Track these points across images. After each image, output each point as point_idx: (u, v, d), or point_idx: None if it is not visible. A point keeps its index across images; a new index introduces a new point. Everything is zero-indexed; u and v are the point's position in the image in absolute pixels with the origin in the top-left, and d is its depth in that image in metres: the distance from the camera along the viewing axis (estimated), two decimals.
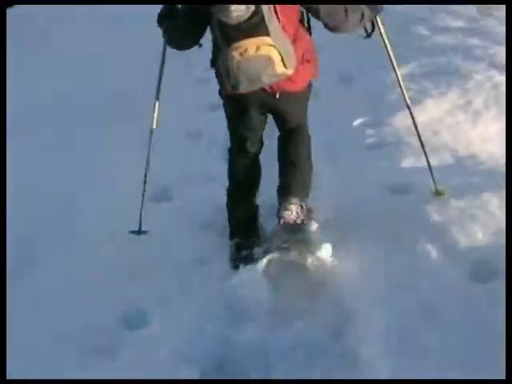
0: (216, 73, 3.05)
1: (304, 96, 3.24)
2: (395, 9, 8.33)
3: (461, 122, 4.64)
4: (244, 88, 2.87)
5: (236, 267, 3.40)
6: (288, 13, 2.82)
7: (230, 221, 3.54)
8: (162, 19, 3.14)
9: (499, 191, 3.55)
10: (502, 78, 5.10)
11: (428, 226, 3.49)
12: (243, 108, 3.14)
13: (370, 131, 4.74)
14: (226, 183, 3.60)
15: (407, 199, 3.82)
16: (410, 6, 8.63)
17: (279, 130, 3.44)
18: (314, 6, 2.91)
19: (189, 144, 5.15)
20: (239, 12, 2.63)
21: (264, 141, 3.50)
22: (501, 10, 8.04)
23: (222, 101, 3.29)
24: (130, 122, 4.93)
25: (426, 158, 3.73)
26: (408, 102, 3.62)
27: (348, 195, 3.93)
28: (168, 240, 3.81)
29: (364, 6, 3.07)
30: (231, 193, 3.51)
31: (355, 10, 3.01)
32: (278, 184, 3.37)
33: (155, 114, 3.54)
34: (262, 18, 2.67)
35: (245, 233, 3.48)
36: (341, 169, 4.29)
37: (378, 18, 3.26)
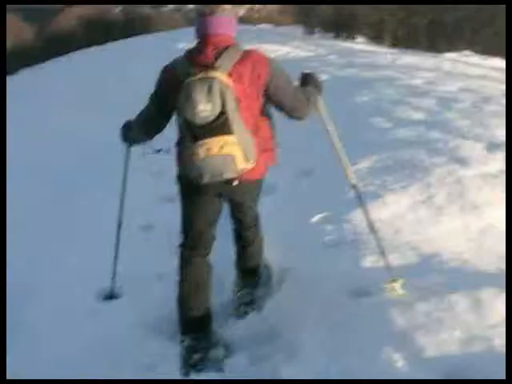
0: (178, 160, 3.19)
1: (260, 182, 3.36)
2: (354, 102, 8.43)
3: (423, 218, 4.45)
4: (206, 180, 2.99)
5: (186, 374, 3.27)
6: (252, 107, 3.07)
7: (180, 320, 3.43)
8: (125, 134, 3.61)
9: (466, 291, 3.33)
10: (464, 172, 4.99)
11: (392, 332, 3.21)
12: (201, 196, 3.23)
13: (328, 227, 4.51)
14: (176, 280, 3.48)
15: (369, 302, 3.56)
16: (368, 97, 8.75)
17: (234, 220, 3.62)
18: (280, 103, 3.22)
19: (141, 238, 4.97)
20: (206, 113, 2.84)
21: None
22: (460, 103, 8.12)
23: (177, 187, 3.36)
24: None
25: (385, 256, 3.52)
26: (353, 181, 3.69)
27: (305, 297, 3.66)
28: (110, 345, 3.54)
29: (311, 90, 3.40)
30: (182, 290, 3.42)
31: (309, 101, 3.35)
32: (235, 264, 3.75)
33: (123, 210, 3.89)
34: (227, 119, 2.87)
35: (197, 333, 3.38)
36: (297, 268, 4.04)
37: (319, 103, 3.52)
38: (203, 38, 3.08)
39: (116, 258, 3.98)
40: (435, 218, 4.42)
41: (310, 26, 41.82)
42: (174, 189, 3.39)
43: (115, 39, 41.75)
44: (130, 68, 17.95)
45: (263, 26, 45.49)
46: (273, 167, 3.43)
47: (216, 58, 2.98)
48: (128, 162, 3.88)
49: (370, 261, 3.92)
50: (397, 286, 3.49)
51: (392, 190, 4.85)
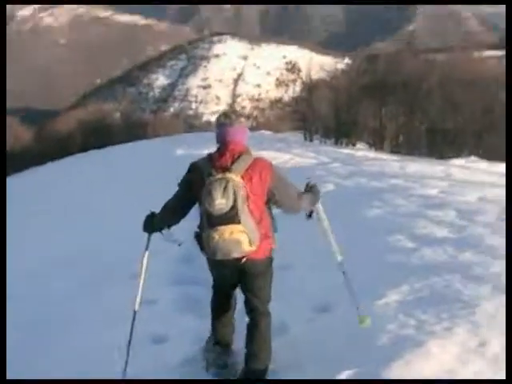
0: (198, 241, 3.91)
1: (264, 264, 4.00)
2: (366, 215, 7.62)
3: (478, 372, 3.48)
4: (219, 257, 3.75)
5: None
6: (258, 203, 3.82)
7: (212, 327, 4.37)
8: (148, 225, 4.16)
9: None
10: None
11: None
12: (220, 268, 4.01)
13: None
14: None
15: None
16: (381, 210, 7.98)
17: (246, 303, 4.10)
18: (279, 201, 3.98)
19: None
20: (221, 206, 3.61)
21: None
22: (483, 215, 7.33)
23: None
24: None
25: None
26: (339, 259, 4.28)
27: None
28: None
29: (308, 196, 4.23)
30: (213, 321, 4.36)
31: (304, 201, 4.15)
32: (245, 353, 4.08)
33: (138, 296, 4.24)
34: (237, 211, 3.63)
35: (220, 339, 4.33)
36: None
37: (319, 207, 4.39)
38: (223, 144, 3.87)
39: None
40: (494, 373, 3.47)
41: (310, 132, 42.14)
42: None
43: (113, 144, 41.72)
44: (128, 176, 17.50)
45: (262, 132, 45.86)
46: None
47: (232, 162, 3.76)
48: (147, 253, 4.31)
49: None
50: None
51: (433, 333, 3.89)
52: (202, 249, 3.87)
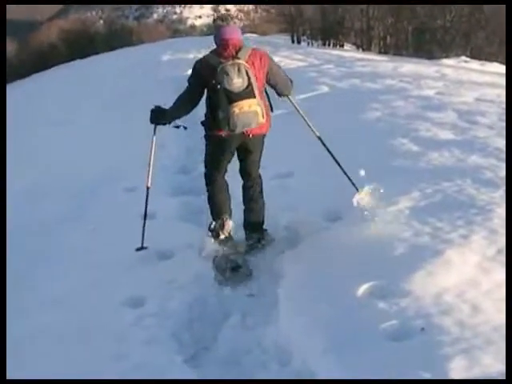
0: (206, 125, 4.51)
1: (262, 140, 4.66)
2: (366, 118, 7.37)
3: (500, 281, 3.32)
4: (238, 131, 4.29)
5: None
6: (259, 84, 4.36)
7: (211, 211, 4.80)
8: (156, 116, 4.62)
9: None
10: None
11: None
12: (228, 146, 4.56)
13: (381, 305, 3.31)
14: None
15: None
16: (380, 112, 7.74)
17: (242, 173, 4.81)
18: (274, 82, 4.57)
19: None
20: (238, 84, 4.19)
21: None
22: (484, 116, 7.14)
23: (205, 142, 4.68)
24: None
25: None
26: (317, 133, 4.83)
27: None
28: None
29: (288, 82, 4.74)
30: (213, 193, 4.79)
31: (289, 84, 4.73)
32: (244, 215, 4.83)
33: (150, 174, 4.83)
34: (252, 88, 4.22)
35: (222, 216, 4.73)
36: None
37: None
38: (224, 41, 4.35)
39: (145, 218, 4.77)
40: None
41: (297, 34, 41.11)
42: None
43: (97, 52, 40.61)
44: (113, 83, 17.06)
45: (248, 35, 44.69)
46: None
47: (236, 53, 4.30)
48: (154, 138, 4.80)
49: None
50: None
51: (450, 241, 3.71)
52: (212, 129, 4.45)
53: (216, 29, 4.44)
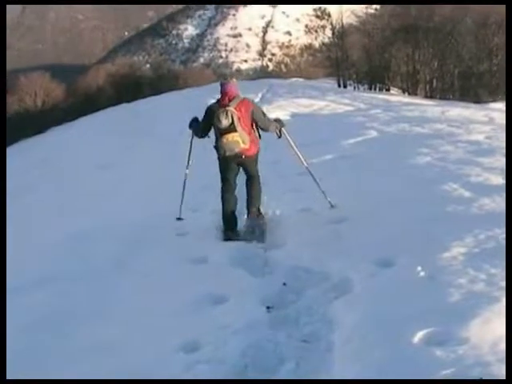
0: (216, 148, 6.11)
1: (255, 157, 6.36)
2: (415, 163, 7.32)
3: None
4: (227, 154, 6.01)
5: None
6: (246, 123, 6.07)
7: (224, 224, 6.40)
8: (191, 125, 6.57)
9: None
10: None
11: None
12: (228, 163, 6.24)
13: (438, 353, 3.20)
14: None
15: None
16: (430, 157, 7.72)
17: (246, 175, 6.45)
18: (257, 122, 6.27)
19: None
20: (225, 123, 5.88)
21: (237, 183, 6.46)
22: None
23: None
24: None
25: None
26: (305, 164, 6.78)
27: None
28: None
29: (274, 122, 6.59)
30: (224, 205, 6.37)
31: (272, 124, 6.49)
32: (246, 200, 6.43)
33: (190, 161, 6.98)
34: (234, 125, 5.90)
35: (230, 226, 6.37)
36: None
37: (283, 130, 6.66)
38: (222, 94, 6.18)
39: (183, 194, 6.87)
40: None
41: (343, 78, 41.37)
42: None
43: (144, 96, 41.43)
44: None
45: (294, 79, 45.18)
46: None
47: (229, 102, 6.05)
48: (193, 140, 6.76)
49: None
50: None
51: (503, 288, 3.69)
52: (218, 151, 6.09)
53: (220, 84, 6.31)
